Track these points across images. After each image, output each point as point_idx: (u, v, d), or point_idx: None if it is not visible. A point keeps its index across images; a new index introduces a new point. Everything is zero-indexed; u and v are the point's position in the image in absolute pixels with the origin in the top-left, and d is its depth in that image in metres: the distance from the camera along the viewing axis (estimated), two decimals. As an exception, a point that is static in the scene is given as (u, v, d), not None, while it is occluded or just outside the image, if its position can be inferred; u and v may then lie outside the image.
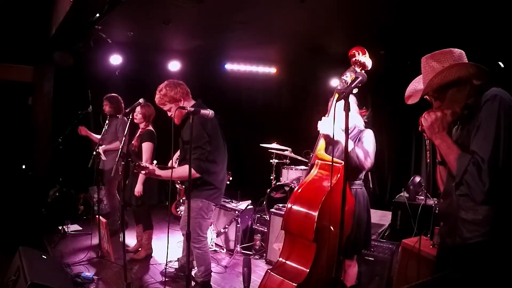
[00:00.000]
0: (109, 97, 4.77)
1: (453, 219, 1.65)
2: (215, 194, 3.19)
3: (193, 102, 3.19)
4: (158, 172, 3.04)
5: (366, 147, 2.66)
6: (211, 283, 3.45)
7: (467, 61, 1.68)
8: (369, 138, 2.73)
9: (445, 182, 1.80)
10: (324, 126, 2.55)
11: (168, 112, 3.16)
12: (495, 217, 1.52)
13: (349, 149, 2.54)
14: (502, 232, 1.52)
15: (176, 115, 3.10)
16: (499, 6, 3.44)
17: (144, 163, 3.04)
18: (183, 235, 3.50)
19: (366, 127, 2.83)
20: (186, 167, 2.65)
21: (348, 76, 2.46)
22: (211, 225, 4.45)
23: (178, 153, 3.50)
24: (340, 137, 2.53)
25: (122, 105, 4.81)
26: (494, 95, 1.53)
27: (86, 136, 4.90)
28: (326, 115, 2.61)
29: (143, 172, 2.99)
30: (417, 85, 1.86)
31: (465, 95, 1.65)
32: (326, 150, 2.63)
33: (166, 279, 3.69)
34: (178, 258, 3.90)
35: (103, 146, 4.71)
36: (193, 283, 3.47)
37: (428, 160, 1.82)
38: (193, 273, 3.50)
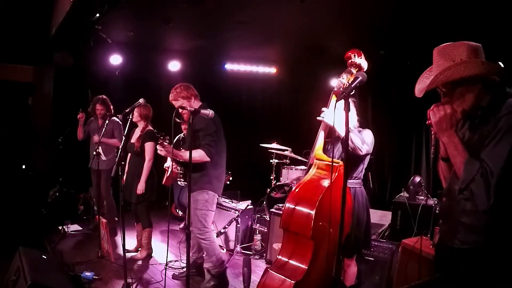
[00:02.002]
0: (102, 100, 4.77)
1: (454, 220, 1.64)
2: (219, 185, 3.45)
3: (200, 103, 3.48)
4: (175, 152, 3.27)
5: (365, 138, 2.71)
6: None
7: (481, 58, 1.59)
8: (368, 134, 2.79)
9: (447, 179, 1.76)
10: (326, 114, 2.58)
11: (179, 109, 3.37)
12: (495, 226, 1.50)
13: (342, 134, 2.57)
14: (501, 241, 1.51)
15: (186, 112, 3.45)
16: (499, 6, 3.44)
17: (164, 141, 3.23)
18: (192, 231, 3.56)
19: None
20: (199, 150, 3.15)
21: (345, 78, 2.50)
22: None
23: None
24: (338, 127, 2.56)
25: (111, 105, 4.85)
26: None
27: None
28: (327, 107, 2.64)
29: (164, 147, 3.19)
30: (426, 80, 1.74)
31: (475, 93, 1.56)
32: (324, 150, 2.64)
33: (174, 280, 3.70)
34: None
35: (101, 139, 4.73)
36: (208, 277, 3.50)
37: (432, 156, 1.76)
38: (206, 266, 3.54)
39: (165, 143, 3.15)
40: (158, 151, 3.32)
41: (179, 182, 4.60)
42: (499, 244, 1.51)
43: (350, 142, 2.60)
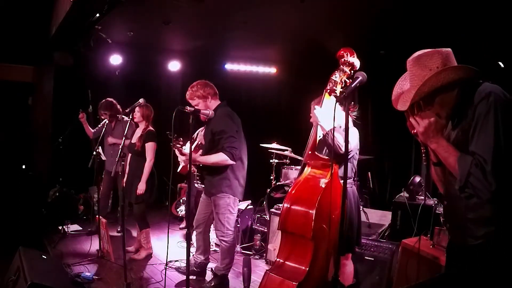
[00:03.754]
0: (105, 105, 4.66)
1: (460, 219, 1.63)
2: (239, 189, 3.39)
3: (219, 102, 3.41)
4: (194, 157, 3.19)
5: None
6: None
7: (454, 63, 1.63)
8: (351, 134, 2.75)
9: (444, 182, 1.77)
10: (318, 112, 2.57)
11: (195, 107, 3.31)
12: (501, 215, 1.51)
13: (326, 130, 2.57)
14: (508, 229, 1.50)
15: (203, 116, 3.35)
16: (499, 6, 3.44)
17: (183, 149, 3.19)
18: (198, 233, 3.60)
19: (355, 126, 2.84)
20: (221, 154, 3.05)
21: (337, 76, 2.50)
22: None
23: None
24: (324, 124, 2.55)
25: (118, 106, 4.78)
26: (488, 92, 1.49)
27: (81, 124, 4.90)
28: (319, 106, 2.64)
29: (182, 157, 3.18)
30: (399, 90, 1.79)
31: (454, 96, 1.61)
32: (319, 150, 2.63)
33: (174, 280, 3.69)
34: (192, 255, 3.87)
35: (112, 139, 4.74)
36: (211, 276, 3.54)
37: (425, 163, 1.79)
38: (213, 266, 3.60)
39: (179, 146, 3.11)
40: (179, 159, 3.28)
41: (196, 185, 4.55)
42: (509, 231, 1.50)
43: (330, 140, 2.59)
